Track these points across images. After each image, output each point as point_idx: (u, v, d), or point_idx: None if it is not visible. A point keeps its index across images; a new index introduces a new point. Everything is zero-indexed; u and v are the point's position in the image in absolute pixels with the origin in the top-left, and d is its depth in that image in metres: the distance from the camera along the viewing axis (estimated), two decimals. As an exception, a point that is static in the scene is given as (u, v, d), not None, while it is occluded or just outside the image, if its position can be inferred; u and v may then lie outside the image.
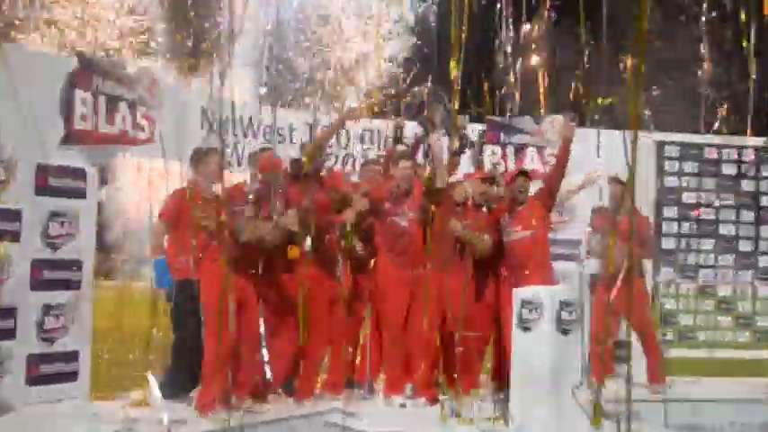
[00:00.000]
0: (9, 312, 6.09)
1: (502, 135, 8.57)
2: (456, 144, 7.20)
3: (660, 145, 8.92)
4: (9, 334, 6.10)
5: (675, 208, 8.95)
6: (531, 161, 8.62)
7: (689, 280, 8.95)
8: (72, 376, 6.59)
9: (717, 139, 9.15)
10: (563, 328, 6.20)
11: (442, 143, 7.03)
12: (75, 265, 6.55)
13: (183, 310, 6.50)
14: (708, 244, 9.00)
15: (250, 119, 7.92)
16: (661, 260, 8.88)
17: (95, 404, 6.46)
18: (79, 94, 6.47)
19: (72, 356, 6.59)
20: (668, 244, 8.94)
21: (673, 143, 8.99)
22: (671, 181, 8.95)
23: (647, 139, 8.74)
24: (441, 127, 7.16)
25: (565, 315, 6.17)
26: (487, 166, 8.42)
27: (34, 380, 6.28)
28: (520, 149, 8.60)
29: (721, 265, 9.00)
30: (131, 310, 8.71)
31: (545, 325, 6.14)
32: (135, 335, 7.84)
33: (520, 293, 6.33)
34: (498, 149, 8.53)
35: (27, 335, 6.23)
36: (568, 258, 8.52)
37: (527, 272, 6.85)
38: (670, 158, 8.96)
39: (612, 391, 5.89)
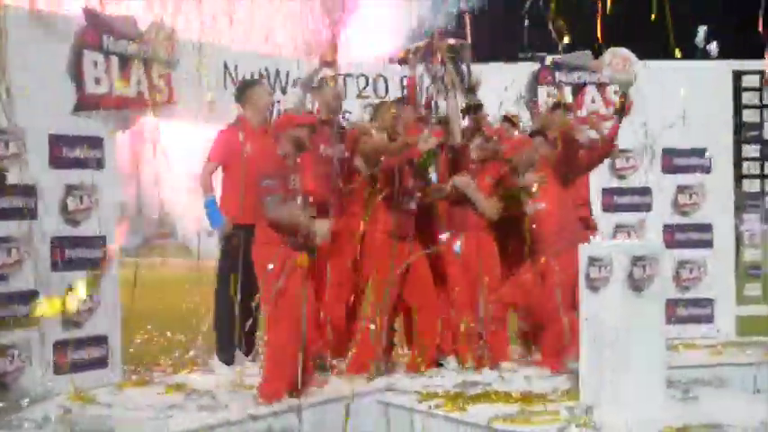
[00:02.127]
0: (30, 296, 6.13)
1: (557, 74, 8.41)
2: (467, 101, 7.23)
3: (737, 75, 8.65)
4: (32, 320, 6.14)
5: (758, 146, 8.71)
6: (593, 102, 8.47)
7: (777, 226, 8.76)
8: (102, 362, 6.65)
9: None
10: (636, 286, 6.08)
11: (456, 101, 7.14)
12: (99, 241, 6.58)
13: (231, 254, 6.71)
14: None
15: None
16: (743, 206, 8.69)
17: (128, 390, 6.52)
18: (89, 55, 6.44)
19: (101, 341, 6.65)
20: (751, 187, 8.71)
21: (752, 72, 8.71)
22: (750, 115, 8.70)
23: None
24: (455, 84, 7.14)
25: (638, 272, 6.06)
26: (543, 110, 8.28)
27: (62, 368, 6.33)
28: (579, 89, 8.43)
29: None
30: (168, 288, 8.75)
31: (616, 283, 6.04)
32: (172, 315, 7.87)
33: (586, 250, 6.23)
34: (554, 90, 8.36)
35: (51, 320, 6.27)
36: (639, 209, 8.40)
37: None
38: (748, 89, 8.70)
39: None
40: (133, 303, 7.10)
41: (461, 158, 7.22)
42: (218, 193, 6.98)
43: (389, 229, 6.93)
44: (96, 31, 6.48)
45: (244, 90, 7.09)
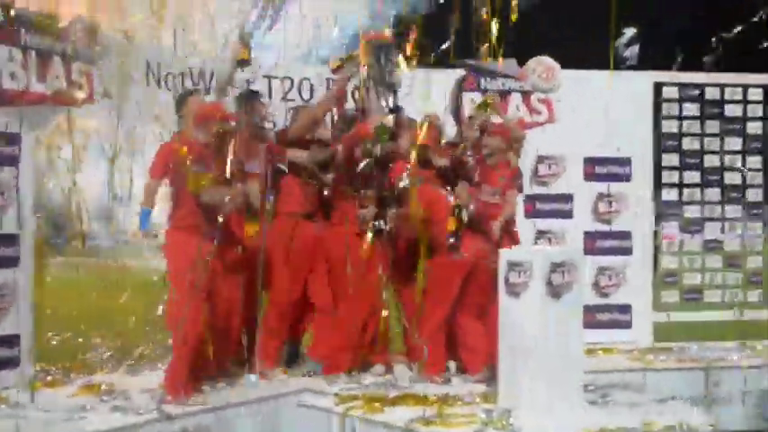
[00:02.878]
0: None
1: (482, 80, 8.44)
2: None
3: (657, 86, 8.79)
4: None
5: (677, 155, 8.86)
6: (517, 109, 8.51)
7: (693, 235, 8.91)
8: (13, 363, 6.48)
9: (721, 78, 9.01)
10: (554, 293, 6.12)
11: (376, 99, 7.17)
12: (12, 239, 6.42)
13: None
14: (713, 195, 8.94)
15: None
16: (663, 213, 8.82)
17: (40, 392, 6.35)
18: (5, 50, 6.27)
19: (13, 341, 6.49)
20: (670, 195, 8.85)
21: (672, 83, 8.87)
22: (669, 125, 8.85)
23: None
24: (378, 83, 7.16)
25: (557, 277, 6.10)
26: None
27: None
28: (503, 96, 8.47)
29: (729, 217, 8.94)
30: (87, 289, 8.56)
31: (535, 288, 6.07)
32: (89, 316, 7.71)
33: (506, 255, 6.26)
34: (478, 96, 8.38)
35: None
36: (559, 215, 8.47)
37: None
38: (668, 101, 8.85)
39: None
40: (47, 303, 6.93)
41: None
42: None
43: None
44: (13, 25, 6.31)
45: (181, 101, 6.99)
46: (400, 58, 7.19)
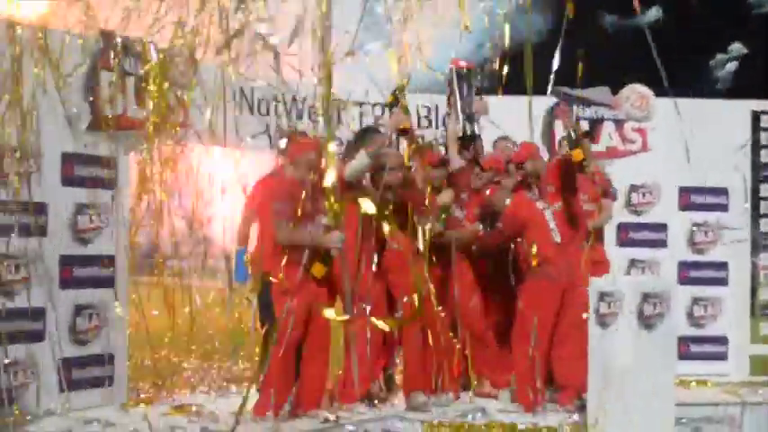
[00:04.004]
0: (37, 313, 6.07)
1: (575, 108, 8.29)
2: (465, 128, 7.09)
3: (755, 115, 8.49)
4: (37, 336, 6.09)
5: (775, 186, 8.54)
6: (610, 138, 8.34)
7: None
8: (107, 381, 6.56)
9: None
10: (646, 323, 5.94)
11: (455, 126, 7.08)
12: (107, 260, 6.53)
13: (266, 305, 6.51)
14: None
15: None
16: (761, 244, 8.49)
17: (132, 411, 6.42)
18: (105, 75, 6.40)
19: (107, 360, 6.56)
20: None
21: (769, 112, 8.56)
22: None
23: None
24: (460, 110, 7.04)
25: (648, 308, 5.92)
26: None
27: (67, 385, 6.23)
28: (596, 124, 8.30)
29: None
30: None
31: (625, 319, 5.90)
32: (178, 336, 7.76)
33: (596, 285, 6.11)
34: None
35: (58, 337, 6.20)
36: (653, 245, 8.23)
37: None
38: (766, 130, 8.53)
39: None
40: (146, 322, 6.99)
41: (455, 185, 7.09)
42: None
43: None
44: (113, 52, 6.42)
45: (288, 147, 6.83)
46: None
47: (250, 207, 6.93)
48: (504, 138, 7.51)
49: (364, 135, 6.77)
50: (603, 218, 7.29)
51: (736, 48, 7.81)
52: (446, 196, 6.93)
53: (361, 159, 6.36)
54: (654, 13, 19.14)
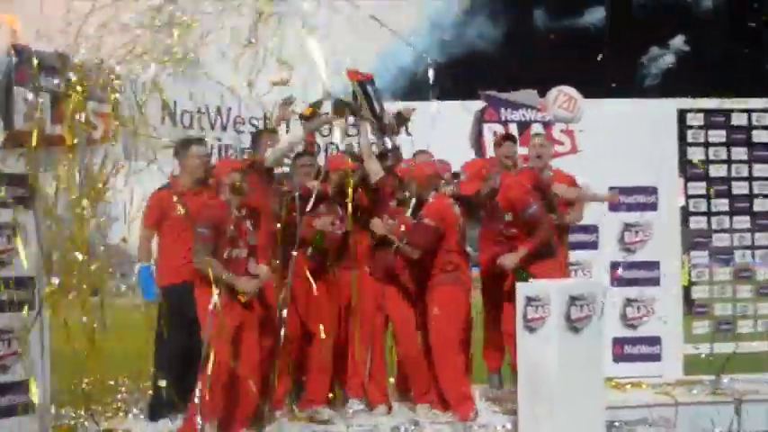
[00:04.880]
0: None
1: (503, 111, 8.27)
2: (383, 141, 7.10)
3: (681, 113, 8.54)
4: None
5: (703, 183, 8.57)
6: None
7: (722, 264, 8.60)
8: (27, 408, 6.30)
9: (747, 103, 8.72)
10: (574, 326, 5.93)
11: (367, 138, 7.01)
12: (26, 283, 6.31)
13: (170, 317, 6.60)
14: (743, 222, 8.62)
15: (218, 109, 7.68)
16: (692, 244, 8.54)
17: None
18: (19, 91, 6.18)
19: (26, 387, 6.30)
20: (698, 224, 8.57)
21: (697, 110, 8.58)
22: (695, 152, 8.56)
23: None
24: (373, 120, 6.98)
25: (575, 311, 5.90)
26: (489, 147, 8.12)
27: (-12, 413, 6.05)
28: (524, 127, 8.28)
29: (759, 245, 8.62)
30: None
31: (553, 323, 5.88)
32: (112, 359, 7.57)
33: (523, 289, 6.08)
34: (500, 128, 8.21)
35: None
36: (582, 246, 8.23)
37: None
38: (693, 128, 8.56)
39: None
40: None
41: (379, 198, 7.05)
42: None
43: None
44: (27, 67, 6.22)
45: (180, 149, 6.95)
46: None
47: (148, 223, 6.83)
48: (424, 151, 7.45)
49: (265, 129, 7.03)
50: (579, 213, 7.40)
51: (677, 43, 7.87)
52: (376, 223, 6.90)
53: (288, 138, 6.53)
54: (598, 14, 19.35)
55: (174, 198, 6.71)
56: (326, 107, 7.08)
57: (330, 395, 7.00)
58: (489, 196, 6.82)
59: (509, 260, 6.63)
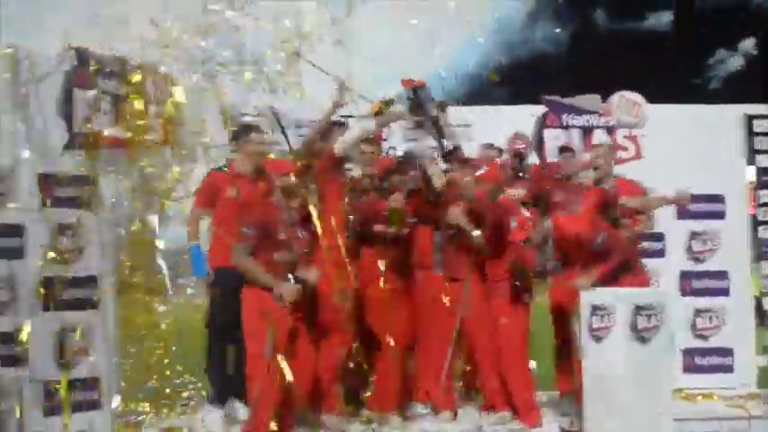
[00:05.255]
0: (19, 338, 5.92)
1: (564, 116, 8.14)
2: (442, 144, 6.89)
3: (749, 119, 8.30)
4: (21, 361, 5.94)
5: (772, 191, 8.33)
6: (600, 146, 8.16)
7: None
8: (94, 405, 6.38)
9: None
10: (641, 336, 5.78)
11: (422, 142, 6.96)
12: (91, 281, 6.36)
13: (219, 301, 6.62)
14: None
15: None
16: (762, 254, 8.30)
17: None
18: (79, 93, 6.25)
19: (94, 383, 6.39)
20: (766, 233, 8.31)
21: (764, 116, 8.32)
22: (763, 160, 8.30)
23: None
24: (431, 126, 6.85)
25: (642, 321, 5.76)
26: (550, 153, 8.01)
27: (52, 410, 6.09)
28: (587, 132, 8.14)
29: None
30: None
31: (618, 333, 5.75)
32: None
33: (589, 298, 5.95)
34: (561, 133, 8.08)
35: (42, 361, 6.06)
36: (649, 255, 8.05)
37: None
38: (760, 134, 8.30)
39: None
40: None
41: (447, 201, 6.92)
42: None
43: None
44: (86, 69, 6.28)
45: (238, 135, 6.97)
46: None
47: (199, 201, 6.86)
48: (490, 146, 7.34)
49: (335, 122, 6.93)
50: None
51: (747, 46, 7.69)
52: (457, 213, 6.79)
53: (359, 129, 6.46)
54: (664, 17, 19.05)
55: (229, 181, 6.71)
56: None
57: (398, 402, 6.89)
58: (542, 242, 6.71)
59: (582, 282, 6.45)
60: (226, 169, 6.94)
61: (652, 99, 8.23)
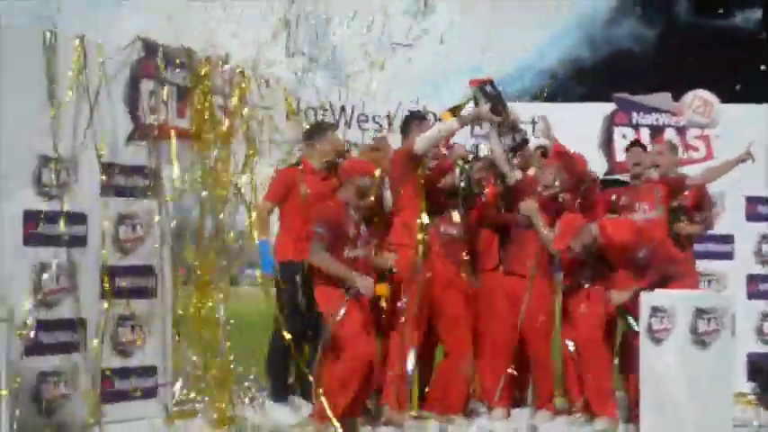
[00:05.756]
0: (79, 324, 6.02)
1: (634, 115, 8.00)
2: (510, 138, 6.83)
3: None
4: (78, 347, 6.04)
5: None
6: (672, 146, 8.00)
7: None
8: (150, 393, 6.50)
9: None
10: (701, 340, 5.65)
11: (497, 139, 6.84)
12: (149, 271, 6.49)
13: (285, 294, 6.65)
14: None
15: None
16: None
17: (176, 423, 6.37)
18: (145, 84, 6.36)
19: (150, 371, 6.52)
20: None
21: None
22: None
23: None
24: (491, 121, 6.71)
25: (702, 325, 5.62)
26: (619, 151, 7.88)
27: (109, 396, 6.21)
28: (656, 131, 7.97)
29: None
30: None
31: (678, 336, 5.62)
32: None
33: (648, 299, 5.83)
34: (631, 132, 7.94)
35: (100, 348, 6.14)
36: (717, 257, 7.86)
37: None
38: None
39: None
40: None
41: (518, 194, 6.91)
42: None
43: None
44: (153, 60, 6.39)
45: (315, 132, 6.99)
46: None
47: (270, 196, 6.87)
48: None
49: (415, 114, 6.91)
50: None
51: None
52: (531, 206, 6.78)
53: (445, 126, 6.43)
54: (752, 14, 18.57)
55: (302, 177, 6.74)
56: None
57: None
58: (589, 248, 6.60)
59: (617, 297, 6.41)
60: (299, 166, 6.94)
61: (733, 99, 8.02)
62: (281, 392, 6.84)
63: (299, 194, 6.73)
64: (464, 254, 6.78)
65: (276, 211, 6.95)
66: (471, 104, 6.67)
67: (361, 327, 6.11)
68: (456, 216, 6.75)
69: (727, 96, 8.19)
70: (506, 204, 7.01)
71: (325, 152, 6.83)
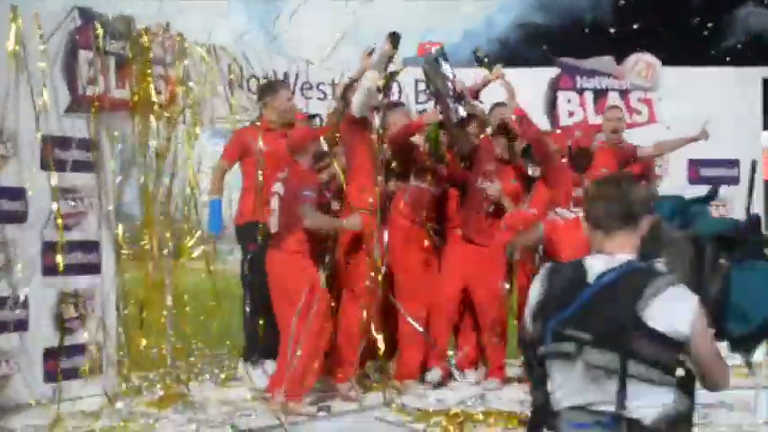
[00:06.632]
0: (20, 302, 5.90)
1: (578, 79, 8.05)
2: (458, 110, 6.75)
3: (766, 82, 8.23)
4: (21, 325, 5.94)
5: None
6: (615, 108, 8.06)
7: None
8: (93, 370, 6.37)
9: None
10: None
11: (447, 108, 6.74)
12: (92, 246, 6.36)
13: (251, 259, 6.60)
14: None
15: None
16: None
17: (120, 401, 6.24)
18: (84, 54, 6.21)
19: (92, 349, 6.38)
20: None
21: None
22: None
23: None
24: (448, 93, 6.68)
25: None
26: (563, 115, 7.93)
27: (52, 375, 6.09)
28: (600, 95, 8.05)
29: None
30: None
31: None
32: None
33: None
34: (575, 96, 7.99)
35: (42, 326, 6.06)
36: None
37: None
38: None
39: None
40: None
41: (475, 163, 6.90)
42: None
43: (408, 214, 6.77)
44: (90, 29, 6.24)
45: (267, 91, 6.96)
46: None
47: (226, 156, 6.82)
48: (501, 104, 7.26)
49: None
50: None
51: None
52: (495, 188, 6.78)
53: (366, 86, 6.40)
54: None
55: (259, 136, 6.69)
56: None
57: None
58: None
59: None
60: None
61: (671, 61, 8.11)
62: (251, 353, 6.79)
63: (255, 154, 6.69)
64: (429, 210, 6.84)
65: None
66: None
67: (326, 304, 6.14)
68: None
69: (671, 59, 8.25)
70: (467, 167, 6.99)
71: (278, 110, 6.77)
